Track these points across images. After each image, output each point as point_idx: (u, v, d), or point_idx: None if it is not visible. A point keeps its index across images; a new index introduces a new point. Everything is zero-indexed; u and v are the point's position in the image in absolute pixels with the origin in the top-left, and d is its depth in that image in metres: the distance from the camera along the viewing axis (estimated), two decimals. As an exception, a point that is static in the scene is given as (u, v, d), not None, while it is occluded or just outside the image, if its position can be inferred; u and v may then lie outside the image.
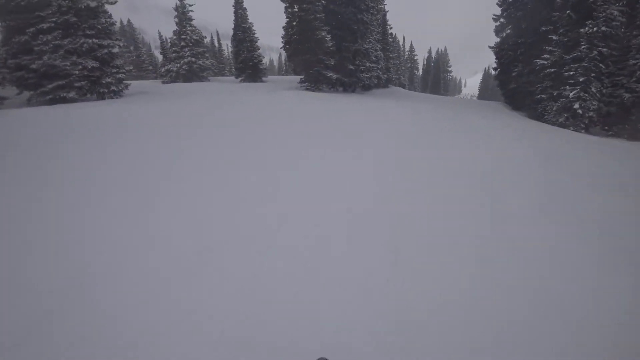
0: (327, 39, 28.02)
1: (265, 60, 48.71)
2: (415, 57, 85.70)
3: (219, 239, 5.32)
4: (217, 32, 67.46)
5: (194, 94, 22.63)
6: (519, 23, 30.82)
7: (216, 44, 66.19)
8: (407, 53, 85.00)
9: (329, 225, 5.82)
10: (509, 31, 32.40)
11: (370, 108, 20.04)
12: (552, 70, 20.86)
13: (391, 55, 45.25)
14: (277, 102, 18.84)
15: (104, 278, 4.34)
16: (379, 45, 40.37)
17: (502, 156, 10.74)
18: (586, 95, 18.42)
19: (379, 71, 38.97)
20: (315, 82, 29.32)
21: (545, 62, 21.82)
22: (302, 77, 30.31)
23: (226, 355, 3.27)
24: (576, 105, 18.51)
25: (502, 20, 33.39)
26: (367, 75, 31.99)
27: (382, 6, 45.56)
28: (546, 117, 24.23)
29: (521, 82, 28.48)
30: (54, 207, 5.97)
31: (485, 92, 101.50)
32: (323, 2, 28.81)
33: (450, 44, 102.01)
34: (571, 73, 18.84)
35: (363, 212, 6.35)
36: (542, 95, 23.06)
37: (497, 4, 33.75)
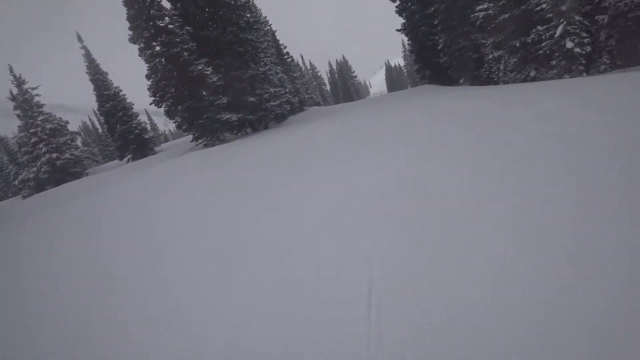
0: (208, 72, 20.47)
1: (159, 125, 39.76)
2: (319, 74, 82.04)
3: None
4: (94, 110, 56.78)
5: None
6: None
7: (97, 125, 55.44)
8: (310, 71, 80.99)
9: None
10: (413, 7, 27.53)
11: (299, 141, 12.96)
12: (505, 16, 15.27)
13: (295, 75, 39.15)
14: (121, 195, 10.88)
15: None
16: (278, 68, 33.84)
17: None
18: (575, 28, 12.88)
19: (288, 95, 32.26)
20: (211, 133, 21.42)
21: (489, 12, 16.33)
22: (193, 133, 22.24)
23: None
24: (569, 44, 12.85)
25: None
26: (275, 103, 24.91)
27: (269, 27, 39.55)
28: (502, 77, 18.91)
29: (453, 50, 23.21)
30: None
31: (392, 85, 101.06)
32: (189, 29, 21.39)
33: (345, 52, 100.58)
34: (543, 6, 13.21)
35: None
36: (497, 53, 17.53)
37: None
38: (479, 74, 22.86)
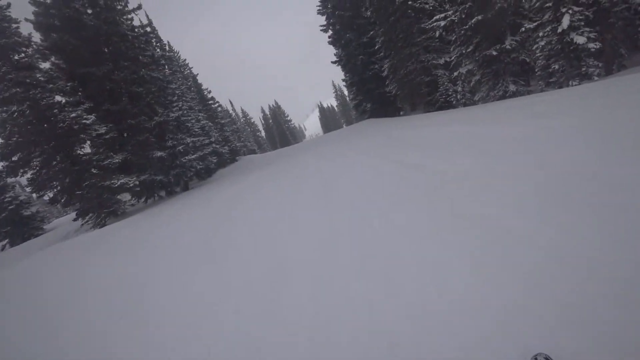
0: (88, 121, 14.40)
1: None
2: (252, 120, 77.69)
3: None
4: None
5: None
6: (352, 21, 23.14)
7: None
8: (242, 118, 76.43)
9: None
10: (348, 35, 24.29)
11: (223, 208, 8.07)
12: (478, 18, 11.75)
13: (223, 122, 33.89)
14: None
15: None
16: (201, 114, 28.38)
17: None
18: (580, 22, 9.47)
19: (214, 145, 26.69)
20: (100, 207, 14.94)
21: (453, 19, 12.85)
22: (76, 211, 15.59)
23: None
24: (579, 39, 9.36)
25: (332, 23, 25.39)
26: (194, 157, 19.22)
27: (189, 70, 34.34)
28: (460, 100, 15.62)
29: (402, 75, 19.81)
30: None
31: (327, 126, 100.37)
32: (59, 63, 15.40)
33: (278, 97, 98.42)
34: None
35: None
36: (463, 68, 14.03)
37: (318, 12, 25.85)
38: (434, 98, 19.53)
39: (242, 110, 76.16)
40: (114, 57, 17.11)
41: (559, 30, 9.82)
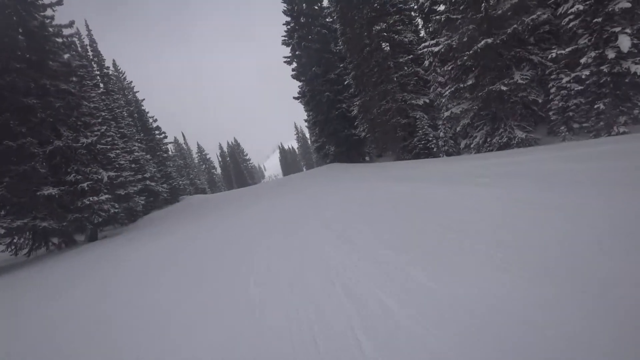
0: None
1: None
2: (208, 156, 72.24)
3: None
4: None
5: None
6: (320, 54, 20.49)
7: None
8: (196, 155, 71.09)
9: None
10: (314, 69, 21.48)
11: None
12: (488, 41, 8.95)
13: (165, 156, 29.00)
14: None
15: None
16: (137, 145, 23.64)
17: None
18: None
19: (148, 182, 21.84)
20: None
21: (450, 42, 10.06)
22: None
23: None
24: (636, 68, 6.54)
25: (298, 55, 22.61)
26: (105, 197, 14.45)
27: (132, 94, 29.71)
28: (442, 146, 12.80)
29: (374, 116, 16.92)
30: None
31: (287, 168, 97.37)
32: None
33: (239, 136, 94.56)
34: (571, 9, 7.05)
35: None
36: (456, 107, 11.15)
37: (282, 42, 23.06)
38: (411, 144, 16.64)
39: (198, 145, 70.98)
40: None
41: (610, 56, 7.19)
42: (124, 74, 30.62)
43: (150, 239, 11.39)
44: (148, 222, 18.54)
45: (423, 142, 16.14)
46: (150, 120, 29.94)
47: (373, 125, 17.80)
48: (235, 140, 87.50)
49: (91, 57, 24.50)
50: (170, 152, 40.01)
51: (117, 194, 18.16)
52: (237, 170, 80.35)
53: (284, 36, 23.04)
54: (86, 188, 14.00)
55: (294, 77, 23.29)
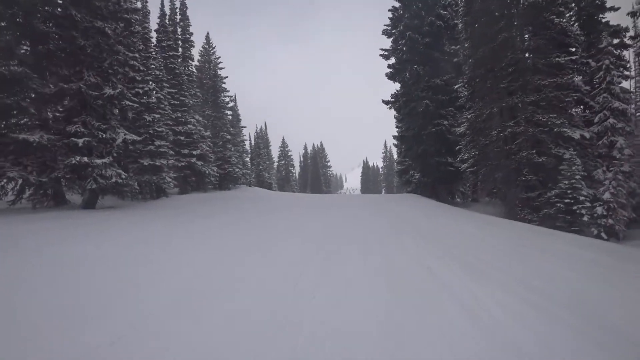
0: None
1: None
2: (290, 154, 70.62)
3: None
4: None
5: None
6: (428, 51, 14.96)
7: None
8: (279, 149, 69.96)
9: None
10: (416, 68, 16.02)
11: None
12: None
13: (229, 138, 26.09)
14: None
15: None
16: (196, 118, 21.07)
17: None
18: None
19: (195, 160, 18.90)
20: None
21: None
22: None
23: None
24: None
25: (399, 49, 17.41)
26: (102, 162, 11.06)
27: (213, 69, 27.76)
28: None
29: (499, 138, 10.80)
30: None
31: (367, 185, 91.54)
32: None
33: (326, 140, 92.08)
34: None
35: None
36: None
37: (383, 32, 18.13)
38: (543, 198, 10.12)
39: (283, 140, 69.71)
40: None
41: None
42: (214, 48, 28.95)
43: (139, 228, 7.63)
44: (171, 202, 15.14)
45: (566, 200, 9.52)
46: (227, 99, 27.58)
47: (484, 154, 11.64)
48: (321, 144, 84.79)
49: (178, 20, 22.81)
50: (246, 141, 38.03)
51: (140, 163, 15.17)
52: (314, 175, 77.33)
53: (387, 25, 18.01)
54: (80, 144, 10.84)
55: (388, 76, 18.05)
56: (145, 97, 15.71)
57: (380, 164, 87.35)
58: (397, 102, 17.61)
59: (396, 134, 19.54)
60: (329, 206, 14.14)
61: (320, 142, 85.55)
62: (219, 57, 29.30)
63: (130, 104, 13.28)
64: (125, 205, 14.18)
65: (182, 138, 19.66)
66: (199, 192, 21.25)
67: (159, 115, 16.04)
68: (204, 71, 27.50)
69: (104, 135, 11.86)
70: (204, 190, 22.13)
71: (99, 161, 11.38)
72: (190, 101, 20.77)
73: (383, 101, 18.21)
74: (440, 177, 16.82)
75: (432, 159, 16.55)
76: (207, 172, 21.14)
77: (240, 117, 40.11)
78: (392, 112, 19.26)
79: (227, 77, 28.24)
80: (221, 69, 28.80)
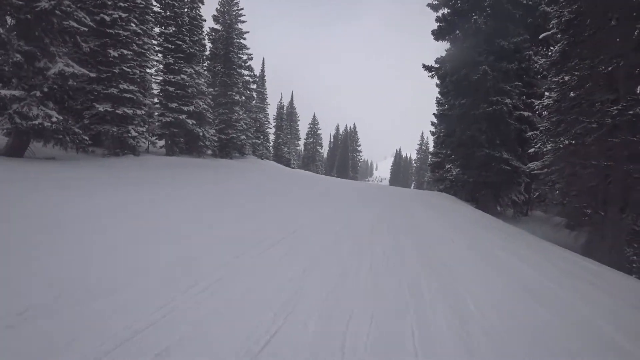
0: None
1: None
2: (319, 132, 66.28)
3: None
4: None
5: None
6: None
7: None
8: (308, 125, 65.89)
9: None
10: (475, 18, 11.17)
11: None
12: None
13: (237, 99, 22.14)
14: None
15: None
16: (194, 69, 17.39)
17: None
18: None
19: (185, 117, 15.39)
20: None
21: None
22: None
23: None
24: None
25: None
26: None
27: (230, 19, 23.76)
28: None
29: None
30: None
31: (396, 176, 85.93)
32: None
33: (361, 124, 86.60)
34: None
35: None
36: None
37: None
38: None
39: (314, 116, 65.37)
40: None
41: None
42: (237, 3, 24.83)
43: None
44: (133, 163, 11.66)
45: None
46: (245, 56, 23.56)
47: (583, 150, 6.90)
48: (354, 127, 79.48)
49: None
50: (268, 114, 34.06)
51: (96, 109, 11.72)
52: (342, 157, 72.78)
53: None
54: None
55: (435, 33, 13.12)
56: (115, 28, 12.11)
57: (414, 156, 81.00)
58: (442, 68, 12.84)
59: (438, 108, 14.77)
60: (333, 196, 10.08)
61: (354, 124, 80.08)
62: (242, 9, 25.26)
63: (78, 27, 9.66)
64: (70, 158, 10.85)
65: (172, 89, 16.03)
66: (190, 156, 17.80)
67: (130, 53, 12.35)
68: (220, 22, 23.62)
69: (24, 61, 8.38)
70: (197, 155, 18.63)
71: (8, 92, 7.93)
72: (191, 49, 16.99)
73: (424, 66, 13.42)
74: (488, 176, 12.09)
75: (481, 151, 11.84)
76: (200, 134, 17.51)
77: (264, 83, 36.34)
78: (431, 96, 14.53)
79: (247, 32, 24.19)
80: (242, 22, 24.78)
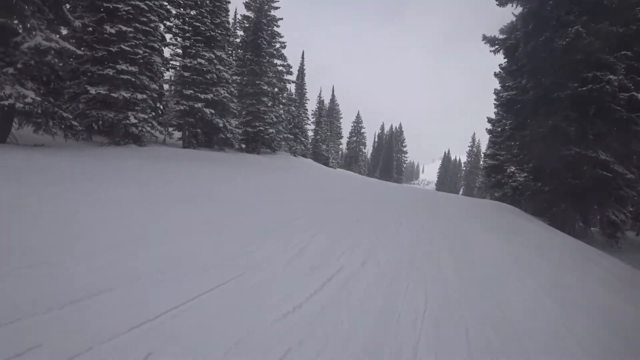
0: None
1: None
2: (363, 131, 63.07)
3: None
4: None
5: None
6: None
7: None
8: (352, 124, 63.17)
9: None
10: None
11: None
12: None
13: (265, 89, 20.02)
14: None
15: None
16: (215, 54, 15.66)
17: None
18: None
19: (201, 105, 13.59)
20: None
21: None
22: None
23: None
24: None
25: None
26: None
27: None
28: None
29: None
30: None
31: (443, 180, 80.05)
32: None
33: (407, 124, 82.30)
34: None
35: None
36: None
37: None
38: None
39: (358, 114, 62.40)
40: None
41: None
42: None
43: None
44: (132, 153, 9.96)
45: None
46: (278, 44, 21.45)
47: None
48: (400, 127, 75.31)
49: None
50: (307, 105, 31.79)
51: (88, 92, 10.13)
52: (387, 158, 68.88)
53: None
54: None
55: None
56: (112, 2, 10.47)
57: (464, 159, 74.63)
58: (511, 38, 9.52)
59: (497, 101, 11.39)
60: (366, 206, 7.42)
61: (400, 123, 75.93)
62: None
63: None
64: (58, 146, 9.34)
65: (187, 74, 14.30)
66: (210, 149, 16.02)
67: (131, 30, 10.64)
68: (252, 8, 21.74)
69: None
70: (219, 148, 16.83)
71: None
72: (211, 32, 15.16)
73: (485, 38, 10.09)
74: (575, 184, 8.61)
75: (567, 149, 8.40)
76: (220, 124, 15.62)
77: (303, 77, 34.16)
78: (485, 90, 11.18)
79: (281, 18, 22.05)
80: (275, 7, 22.65)
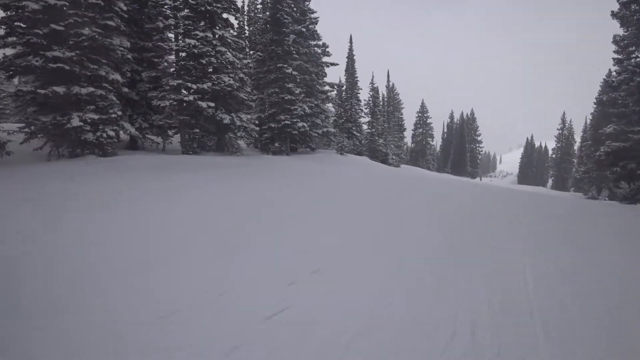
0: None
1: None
2: (429, 121, 55.55)
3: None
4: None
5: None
6: None
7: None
8: (416, 115, 56.52)
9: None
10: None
11: None
12: None
13: (305, 78, 16.05)
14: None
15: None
16: (233, 35, 12.06)
17: None
18: None
19: (199, 101, 10.12)
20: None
21: None
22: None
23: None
24: None
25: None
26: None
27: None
28: None
29: None
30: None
31: (527, 170, 68.01)
32: None
33: (479, 110, 71.76)
34: None
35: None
36: None
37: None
38: None
39: (422, 103, 55.29)
40: None
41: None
42: None
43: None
44: (81, 169, 6.96)
45: None
46: (307, 21, 17.21)
47: None
48: (472, 113, 65.54)
49: None
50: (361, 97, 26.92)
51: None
52: (458, 150, 60.08)
53: None
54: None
55: None
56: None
57: (552, 145, 61.72)
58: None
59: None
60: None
61: (472, 109, 66.33)
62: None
63: None
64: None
65: (172, 59, 11.03)
66: (216, 153, 12.66)
67: (63, 3, 7.53)
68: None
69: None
70: (230, 151, 13.34)
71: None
72: (209, 6, 11.67)
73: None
74: None
75: None
76: (226, 120, 12.03)
77: (353, 64, 29.37)
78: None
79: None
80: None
